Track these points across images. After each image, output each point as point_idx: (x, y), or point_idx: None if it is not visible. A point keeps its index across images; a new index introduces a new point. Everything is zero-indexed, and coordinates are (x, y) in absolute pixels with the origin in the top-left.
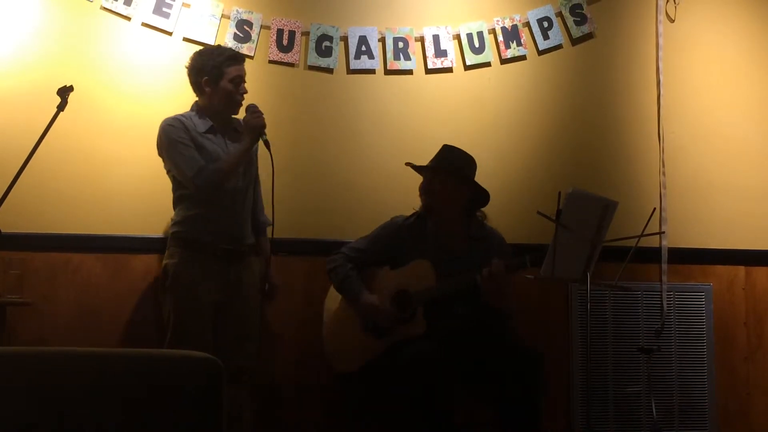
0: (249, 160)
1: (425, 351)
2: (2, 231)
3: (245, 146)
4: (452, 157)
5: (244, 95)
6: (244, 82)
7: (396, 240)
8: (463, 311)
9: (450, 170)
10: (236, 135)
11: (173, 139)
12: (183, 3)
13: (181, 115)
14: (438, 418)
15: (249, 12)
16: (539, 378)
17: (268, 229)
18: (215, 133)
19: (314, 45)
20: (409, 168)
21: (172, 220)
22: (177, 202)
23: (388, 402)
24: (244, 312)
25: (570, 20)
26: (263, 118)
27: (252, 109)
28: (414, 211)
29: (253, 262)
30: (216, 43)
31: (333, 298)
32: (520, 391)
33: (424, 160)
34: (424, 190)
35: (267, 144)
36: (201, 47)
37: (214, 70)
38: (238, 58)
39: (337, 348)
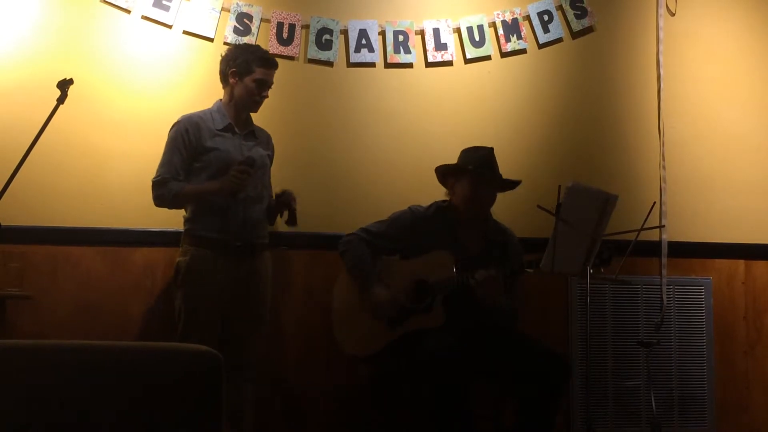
0: (263, 166)
1: (446, 347)
2: (2, 224)
3: (213, 189)
4: (495, 161)
5: (265, 99)
6: (269, 87)
7: (413, 229)
8: (478, 307)
9: (515, 183)
10: (252, 137)
11: (170, 138)
12: None
13: (202, 111)
14: (455, 412)
15: (249, 5)
16: (565, 386)
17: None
18: (232, 131)
19: (314, 38)
20: (409, 161)
21: (184, 216)
22: None
23: (400, 393)
24: (254, 307)
25: (570, 14)
26: (242, 184)
27: (241, 169)
28: (432, 202)
29: (266, 258)
30: (216, 37)
31: (343, 283)
32: (542, 395)
33: (424, 154)
34: (489, 200)
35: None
36: (201, 40)
37: (243, 65)
38: (269, 63)
39: (347, 333)
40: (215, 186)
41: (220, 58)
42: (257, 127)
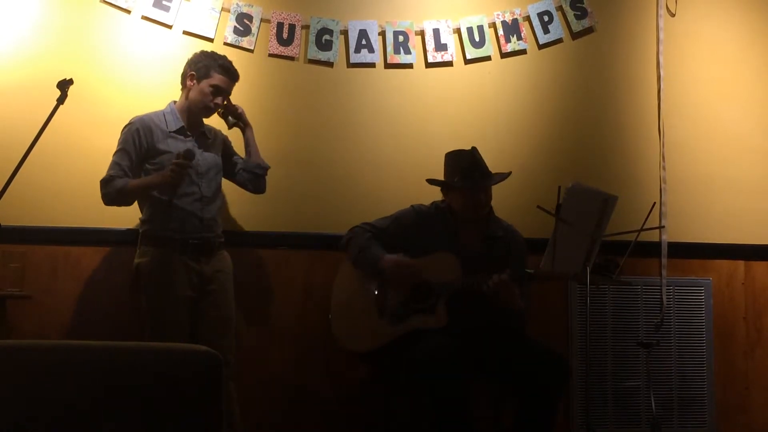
0: (215, 167)
1: (446, 349)
2: (2, 224)
3: (155, 181)
4: (482, 161)
5: (218, 108)
6: (225, 96)
7: (415, 227)
8: (485, 309)
9: (503, 176)
10: (204, 140)
11: (120, 139)
12: None
13: (155, 113)
14: (454, 413)
15: (249, 5)
16: (564, 387)
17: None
18: (185, 133)
19: (314, 38)
20: (409, 161)
21: (140, 218)
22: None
23: (399, 392)
24: (220, 305)
25: (570, 14)
26: (181, 178)
27: (180, 163)
28: (433, 201)
29: (225, 257)
30: (216, 37)
31: (344, 278)
32: (542, 396)
33: (424, 155)
34: (483, 204)
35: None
36: (201, 40)
37: (202, 69)
38: (229, 72)
39: (346, 329)
40: (157, 179)
41: None
42: (209, 127)
